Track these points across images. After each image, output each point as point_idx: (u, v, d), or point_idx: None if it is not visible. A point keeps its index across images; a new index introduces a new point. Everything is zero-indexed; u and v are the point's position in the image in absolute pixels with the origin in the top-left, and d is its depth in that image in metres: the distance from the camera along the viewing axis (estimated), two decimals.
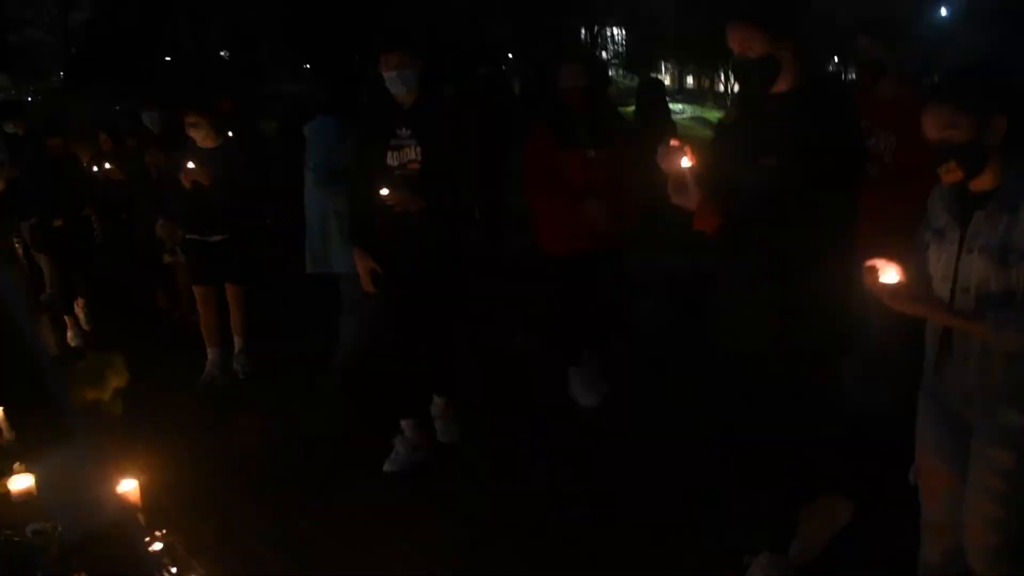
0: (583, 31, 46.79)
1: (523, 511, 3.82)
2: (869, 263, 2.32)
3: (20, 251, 6.82)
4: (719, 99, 40.60)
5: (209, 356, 5.54)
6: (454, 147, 4.00)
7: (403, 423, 4.26)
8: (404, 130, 3.98)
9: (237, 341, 5.60)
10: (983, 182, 2.27)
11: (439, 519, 3.79)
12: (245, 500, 4.01)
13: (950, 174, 2.27)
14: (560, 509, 3.84)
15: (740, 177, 2.65)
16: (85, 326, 6.71)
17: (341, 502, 3.96)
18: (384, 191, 3.86)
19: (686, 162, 2.61)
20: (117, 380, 1.24)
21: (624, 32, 48.80)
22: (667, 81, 44.64)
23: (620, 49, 46.20)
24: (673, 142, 2.65)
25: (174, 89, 23.76)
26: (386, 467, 4.19)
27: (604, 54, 46.42)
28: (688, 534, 3.48)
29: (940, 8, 45.70)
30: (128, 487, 3.20)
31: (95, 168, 6.90)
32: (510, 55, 39.30)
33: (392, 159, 3.99)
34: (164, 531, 3.08)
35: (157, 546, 3.11)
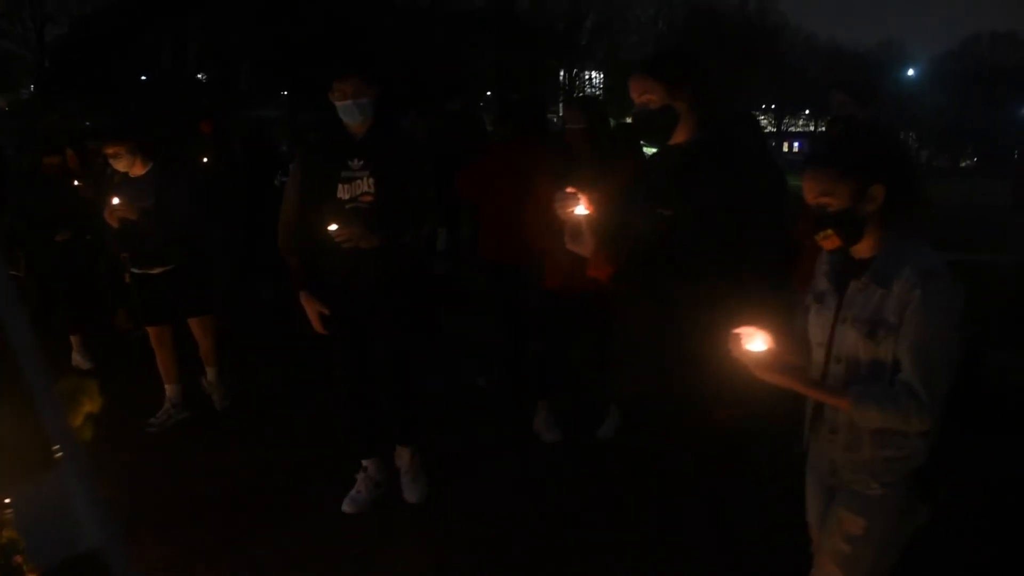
0: (562, 73, 47.58)
1: (485, 543, 3.79)
2: (736, 330, 2.26)
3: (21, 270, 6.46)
4: None
5: (168, 393, 5.30)
6: (410, 178, 3.82)
7: (364, 462, 4.12)
8: (356, 161, 3.77)
9: (209, 372, 5.42)
10: (863, 250, 2.22)
11: (395, 549, 3.74)
12: (197, 526, 3.93)
13: (827, 240, 2.22)
14: (520, 540, 3.81)
15: (640, 225, 2.66)
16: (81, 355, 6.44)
17: (297, 528, 3.89)
18: (333, 227, 3.65)
19: (581, 209, 2.64)
20: (90, 406, 1.12)
21: (600, 75, 49.62)
22: None
23: (597, 91, 46.84)
24: (569, 189, 2.67)
25: (148, 107, 23.60)
26: (345, 507, 4.03)
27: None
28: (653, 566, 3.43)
29: (907, 69, 47.14)
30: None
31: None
32: (488, 92, 39.72)
33: (343, 192, 3.77)
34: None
35: None
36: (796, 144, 48.21)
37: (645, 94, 2.66)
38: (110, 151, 4.97)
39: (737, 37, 45.90)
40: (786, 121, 56.07)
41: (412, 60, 23.05)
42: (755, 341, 2.23)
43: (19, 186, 6.42)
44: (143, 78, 33.09)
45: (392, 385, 4.06)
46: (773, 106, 53.69)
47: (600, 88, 48.18)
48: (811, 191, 2.22)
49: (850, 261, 2.25)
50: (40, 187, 6.18)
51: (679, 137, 2.69)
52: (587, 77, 49.50)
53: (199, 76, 36.43)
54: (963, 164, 42.37)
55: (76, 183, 6.43)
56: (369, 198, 3.75)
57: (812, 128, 52.66)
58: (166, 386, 5.29)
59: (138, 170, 5.02)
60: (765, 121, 53.01)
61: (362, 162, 3.76)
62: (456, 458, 4.66)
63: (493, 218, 5.17)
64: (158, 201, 4.91)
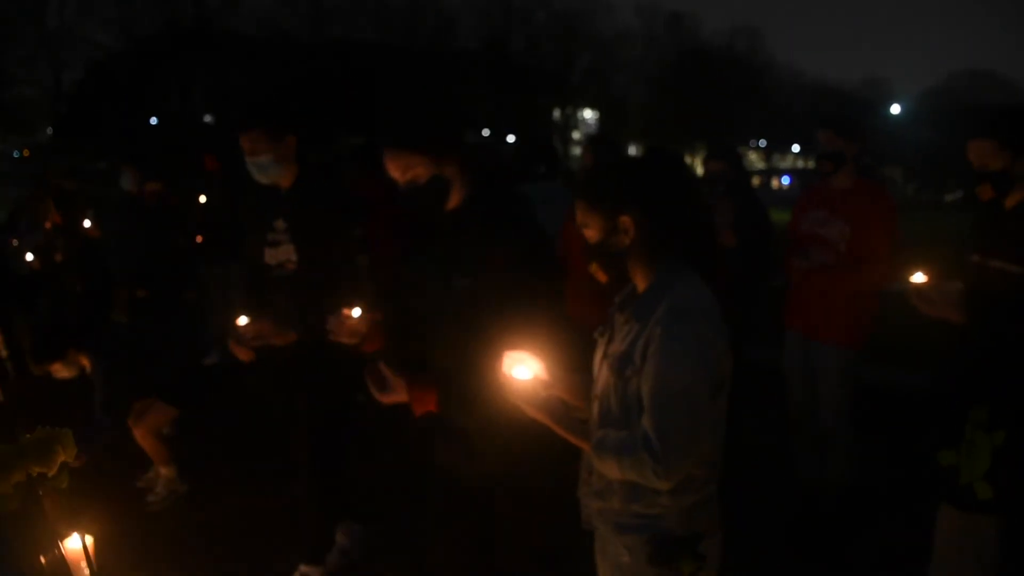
0: (557, 111, 48.54)
1: None
2: (508, 353, 2.08)
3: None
4: None
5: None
6: (335, 248, 3.32)
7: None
8: (280, 223, 3.32)
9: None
10: (640, 283, 2.05)
11: None
12: (193, 559, 3.90)
13: (597, 273, 2.10)
14: None
15: (436, 299, 2.45)
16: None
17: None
18: (241, 320, 3.23)
19: (357, 312, 2.67)
20: (64, 455, 1.10)
21: (595, 114, 50.70)
22: None
23: (591, 130, 47.89)
24: (345, 312, 2.67)
25: (157, 150, 24.61)
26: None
27: (576, 134, 48.25)
28: None
29: (892, 105, 48.08)
30: (78, 543, 3.33)
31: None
32: (485, 131, 40.69)
33: (269, 257, 3.34)
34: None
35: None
36: (785, 179, 49.00)
37: (409, 169, 2.39)
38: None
39: (725, 76, 47.00)
40: (774, 157, 57.03)
41: (410, 102, 24.02)
42: (519, 368, 2.06)
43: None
44: (153, 120, 34.20)
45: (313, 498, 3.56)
46: (762, 143, 54.65)
47: (595, 126, 49.29)
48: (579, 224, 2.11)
49: (632, 295, 2.08)
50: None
51: (453, 202, 2.44)
52: (580, 116, 50.65)
53: (206, 118, 37.52)
54: (949, 199, 43.25)
55: (87, 223, 6.73)
56: (292, 265, 3.31)
57: (801, 164, 53.51)
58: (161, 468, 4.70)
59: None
60: (754, 157, 54.07)
61: (286, 224, 3.32)
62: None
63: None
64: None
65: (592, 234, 2.06)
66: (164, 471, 4.61)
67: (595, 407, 2.07)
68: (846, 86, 54.58)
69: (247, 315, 3.24)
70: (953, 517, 2.68)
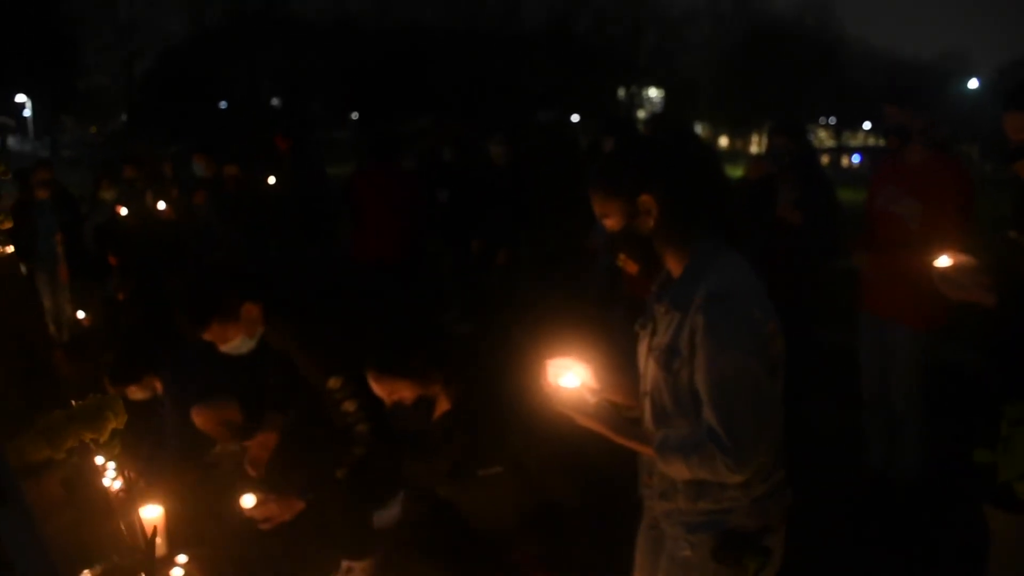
0: (622, 90, 48.12)
1: None
2: (550, 360, 1.99)
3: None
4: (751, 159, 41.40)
5: None
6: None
7: None
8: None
9: None
10: (675, 269, 1.95)
11: None
12: (261, 533, 3.91)
13: (627, 264, 2.05)
14: None
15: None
16: None
17: None
18: (247, 501, 3.32)
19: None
20: (115, 421, 1.15)
21: (661, 93, 50.11)
22: None
23: (657, 109, 47.39)
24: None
25: (227, 134, 25.11)
26: None
27: (641, 113, 47.76)
28: None
29: (970, 80, 46.49)
30: (152, 513, 3.29)
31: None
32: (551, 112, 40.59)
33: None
34: (184, 557, 3.61)
35: (177, 572, 3.59)
36: (856, 157, 47.85)
37: (395, 393, 2.66)
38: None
39: (794, 52, 45.96)
40: (844, 135, 55.65)
41: (475, 85, 24.04)
42: (568, 376, 1.97)
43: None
44: (222, 105, 34.91)
45: None
46: (832, 120, 53.39)
47: (661, 105, 48.75)
48: (597, 215, 2.03)
49: (668, 282, 1.99)
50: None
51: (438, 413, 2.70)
52: (646, 95, 50.14)
53: (273, 102, 38.18)
54: None
55: (162, 206, 6.96)
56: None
57: (873, 142, 52.19)
58: None
59: None
60: (824, 135, 52.86)
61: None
62: None
63: None
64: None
65: (614, 222, 1.96)
66: (229, 447, 4.73)
67: (646, 405, 1.98)
68: (921, 60, 52.82)
69: (252, 495, 3.29)
70: (1001, 518, 2.52)
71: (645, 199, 1.89)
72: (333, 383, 3.08)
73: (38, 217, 7.10)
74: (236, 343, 3.16)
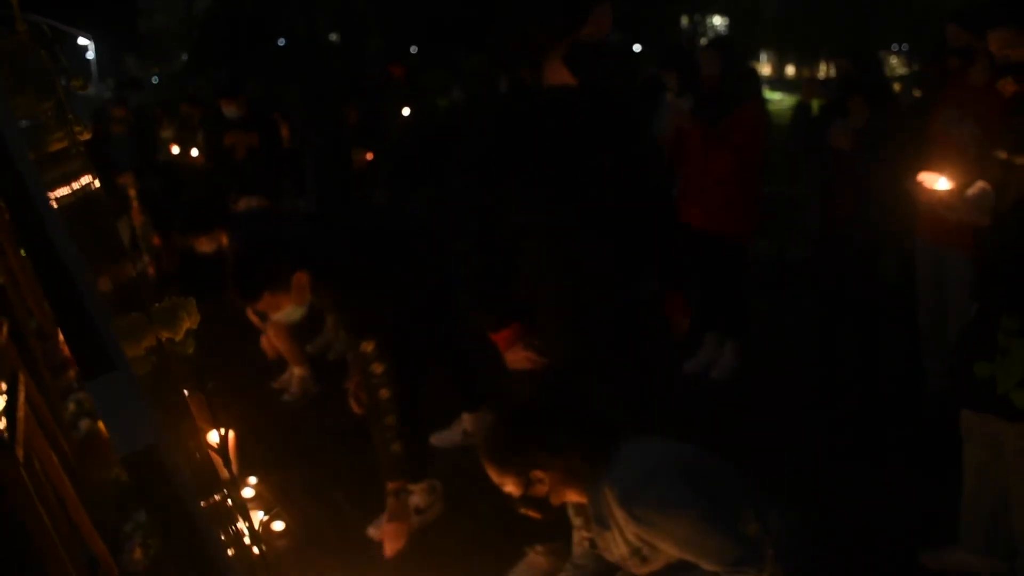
0: (684, 19, 46.93)
1: None
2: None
3: None
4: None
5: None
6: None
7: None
8: None
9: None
10: (577, 499, 2.25)
11: None
12: (328, 453, 4.13)
13: (530, 515, 2.27)
14: None
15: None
16: None
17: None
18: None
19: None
20: (189, 322, 1.15)
21: (725, 21, 48.73)
22: (767, 70, 44.60)
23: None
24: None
25: (286, 72, 25.19)
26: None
27: (704, 42, 46.54)
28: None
29: None
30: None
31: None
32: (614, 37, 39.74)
33: None
34: (255, 479, 3.46)
35: (247, 492, 3.44)
36: None
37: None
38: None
39: None
40: (917, 63, 53.55)
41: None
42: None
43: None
44: (281, 42, 35.02)
45: None
46: (905, 47, 51.40)
47: (725, 34, 47.45)
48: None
49: (584, 510, 2.28)
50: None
51: None
52: (710, 23, 48.79)
53: (332, 37, 38.18)
54: None
55: (195, 153, 7.01)
56: None
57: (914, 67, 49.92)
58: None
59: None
60: (895, 62, 50.97)
61: None
62: None
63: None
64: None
65: (512, 490, 2.21)
66: (298, 371, 4.91)
67: None
68: None
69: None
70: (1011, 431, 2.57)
71: (537, 474, 2.17)
72: (366, 345, 3.16)
73: (115, 153, 7.34)
74: (288, 311, 3.23)
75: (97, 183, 1.60)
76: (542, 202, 2.49)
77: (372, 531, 3.42)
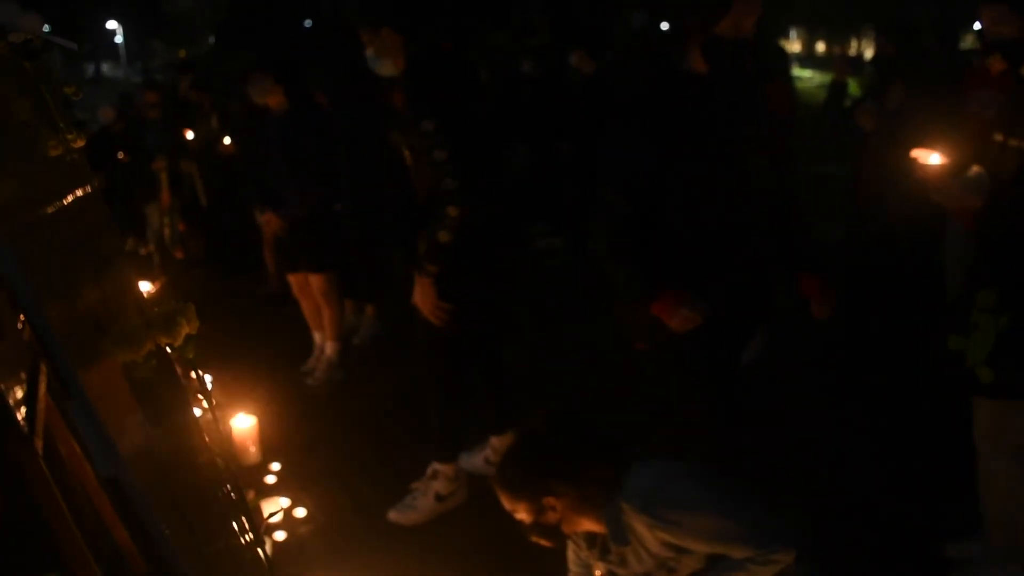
0: None
1: None
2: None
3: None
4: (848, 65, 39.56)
5: (316, 340, 5.02)
6: None
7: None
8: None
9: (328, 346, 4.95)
10: (596, 527, 2.20)
11: None
12: (351, 439, 4.13)
13: (541, 543, 2.27)
14: None
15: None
16: None
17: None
18: None
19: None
20: (188, 327, 1.14)
21: None
22: (797, 47, 43.97)
23: None
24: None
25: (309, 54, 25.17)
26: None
27: None
28: None
29: None
30: (246, 423, 3.55)
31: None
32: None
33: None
34: (278, 465, 3.55)
35: (271, 478, 3.55)
36: None
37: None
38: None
39: None
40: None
41: None
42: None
43: None
44: (307, 23, 35.03)
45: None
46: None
47: None
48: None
49: (598, 537, 2.25)
50: None
51: None
52: None
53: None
54: None
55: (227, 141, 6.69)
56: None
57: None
58: (314, 333, 5.00)
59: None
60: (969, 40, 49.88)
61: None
62: None
63: None
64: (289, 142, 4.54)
65: (524, 517, 2.18)
66: (329, 348, 4.91)
67: None
68: None
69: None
70: (986, 405, 2.60)
71: (549, 500, 2.14)
72: (428, 124, 2.98)
73: (148, 137, 7.37)
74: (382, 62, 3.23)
75: (90, 189, 1.57)
76: (701, 160, 2.53)
77: (393, 515, 3.42)
